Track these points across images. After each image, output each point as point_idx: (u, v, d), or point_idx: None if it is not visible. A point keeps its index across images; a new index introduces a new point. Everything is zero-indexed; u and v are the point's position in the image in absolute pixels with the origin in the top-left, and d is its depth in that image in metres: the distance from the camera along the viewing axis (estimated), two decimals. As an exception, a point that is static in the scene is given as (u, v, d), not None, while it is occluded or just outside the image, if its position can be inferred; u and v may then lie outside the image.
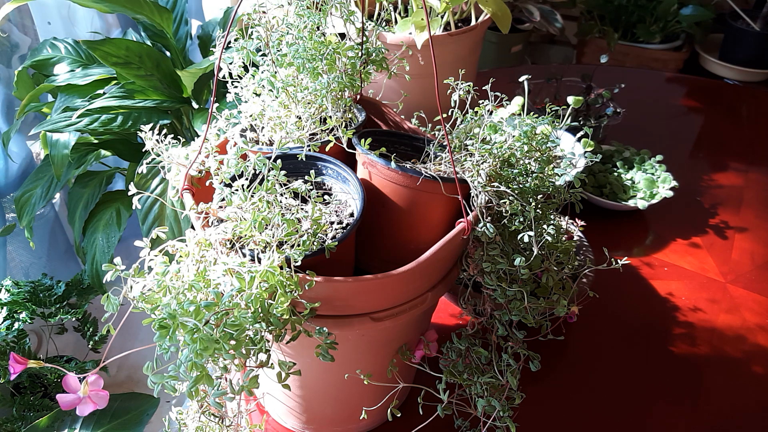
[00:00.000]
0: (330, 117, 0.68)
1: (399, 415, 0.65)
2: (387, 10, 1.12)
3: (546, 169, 0.68)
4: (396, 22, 1.11)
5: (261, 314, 0.48)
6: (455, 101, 0.71)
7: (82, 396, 0.48)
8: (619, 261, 0.67)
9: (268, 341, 0.51)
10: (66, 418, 0.97)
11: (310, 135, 0.69)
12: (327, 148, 0.66)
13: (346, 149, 0.67)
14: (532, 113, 0.72)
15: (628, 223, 1.15)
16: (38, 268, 1.60)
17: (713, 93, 1.68)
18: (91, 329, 1.39)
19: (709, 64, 2.54)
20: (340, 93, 0.72)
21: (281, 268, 0.50)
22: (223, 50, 0.60)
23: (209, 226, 0.57)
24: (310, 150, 0.66)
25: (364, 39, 0.76)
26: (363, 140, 0.65)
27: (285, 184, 0.58)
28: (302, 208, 0.58)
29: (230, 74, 0.72)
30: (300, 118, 0.69)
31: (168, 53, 1.46)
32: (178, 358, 0.47)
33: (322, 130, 0.69)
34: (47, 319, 1.29)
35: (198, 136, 1.02)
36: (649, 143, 1.31)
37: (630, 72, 1.86)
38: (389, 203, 0.66)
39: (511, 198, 0.62)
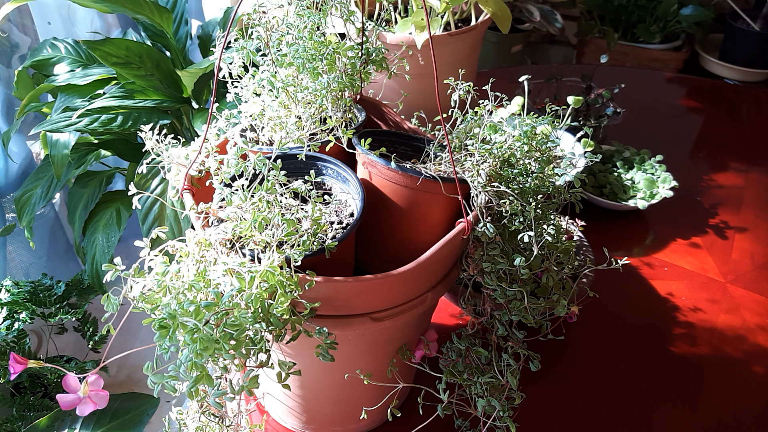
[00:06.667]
0: (330, 117, 0.68)
1: (399, 415, 0.65)
2: (387, 10, 1.12)
3: (546, 169, 0.68)
4: (396, 22, 1.11)
5: (261, 314, 0.48)
6: (455, 101, 0.71)
7: (82, 396, 0.48)
8: (619, 261, 0.67)
9: (268, 341, 0.51)
10: (66, 418, 0.97)
11: (310, 135, 0.69)
12: (327, 148, 0.66)
13: (346, 149, 0.67)
14: (532, 113, 0.72)
15: (628, 223, 1.15)
16: (38, 268, 1.60)
17: (713, 93, 1.68)
18: (91, 329, 1.39)
19: (709, 64, 2.54)
20: (340, 93, 0.72)
21: (281, 268, 0.50)
22: (223, 50, 0.60)
23: (209, 226, 0.57)
24: (310, 150, 0.66)
25: (364, 39, 0.76)
26: (363, 140, 0.65)
27: (285, 184, 0.58)
28: (302, 208, 0.58)
29: (230, 74, 0.72)
30: (300, 118, 0.69)
31: (168, 53, 1.46)
32: (178, 358, 0.47)
33: (322, 130, 0.69)
34: (47, 319, 1.29)
35: (198, 136, 1.02)
36: (649, 143, 1.31)
37: (630, 72, 1.86)
38: (389, 203, 0.66)
39: (511, 198, 0.62)
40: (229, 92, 0.74)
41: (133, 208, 1.29)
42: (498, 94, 0.73)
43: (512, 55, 2.67)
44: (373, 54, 0.77)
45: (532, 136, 0.68)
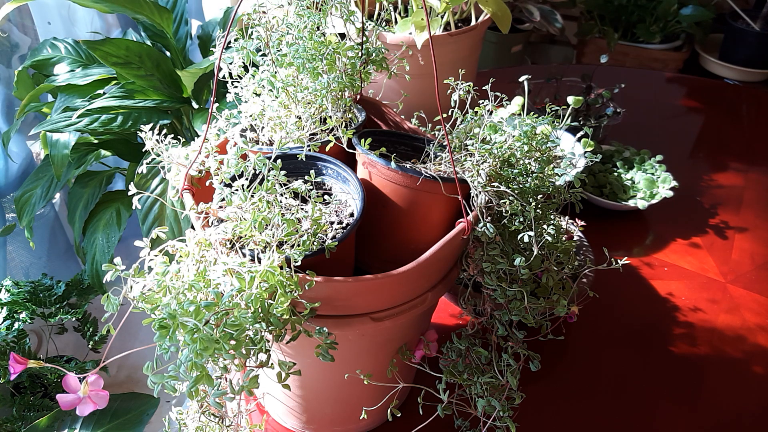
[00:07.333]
0: (330, 117, 0.68)
1: (399, 415, 0.65)
2: (387, 10, 1.12)
3: (546, 169, 0.68)
4: (396, 22, 1.11)
5: (261, 314, 0.48)
6: (455, 101, 0.71)
7: (82, 396, 0.48)
8: (619, 261, 0.67)
9: (268, 341, 0.51)
10: (66, 418, 0.97)
11: (310, 135, 0.69)
12: (327, 148, 0.66)
13: (346, 149, 0.67)
14: (532, 113, 0.72)
15: (628, 223, 1.15)
16: (38, 268, 1.60)
17: (713, 93, 1.68)
18: (91, 329, 1.39)
19: (709, 64, 2.54)
20: (340, 93, 0.72)
21: (281, 268, 0.50)
22: (223, 50, 0.60)
23: (209, 226, 0.57)
24: (310, 150, 0.66)
25: (364, 39, 0.76)
26: (363, 140, 0.65)
27: (285, 184, 0.58)
28: (302, 208, 0.58)
29: (230, 74, 0.72)
30: (300, 118, 0.69)
31: (168, 53, 1.46)
32: (178, 358, 0.47)
33: (322, 130, 0.69)
34: (47, 319, 1.29)
35: (198, 136, 1.02)
36: (649, 143, 1.31)
37: (630, 72, 1.86)
38: (389, 203, 0.66)
39: (511, 198, 0.62)
40: (229, 92, 0.74)
41: (133, 208, 1.29)
42: (498, 94, 0.73)
43: (512, 55, 2.67)
44: (373, 54, 0.77)
45: (532, 136, 0.68)
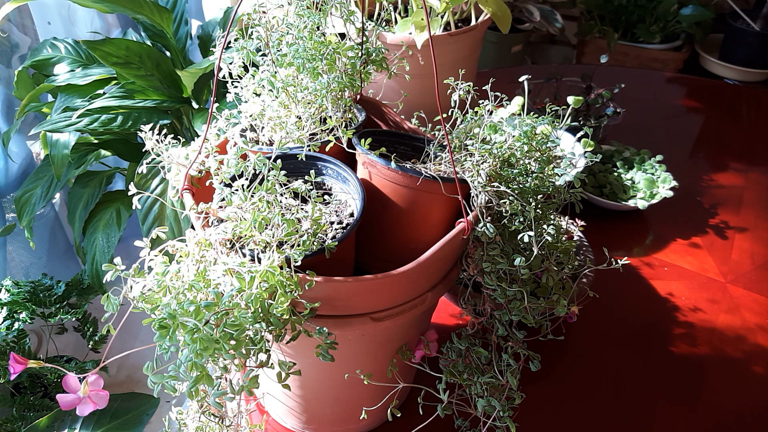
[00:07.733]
0: (330, 117, 0.68)
1: (399, 415, 0.65)
2: (387, 10, 1.12)
3: (546, 169, 0.68)
4: (396, 22, 1.11)
5: (261, 314, 0.48)
6: (455, 101, 0.71)
7: (82, 396, 0.48)
8: (619, 261, 0.67)
9: (268, 341, 0.51)
10: (66, 418, 0.97)
11: (310, 135, 0.69)
12: (327, 148, 0.66)
13: (346, 149, 0.67)
14: (532, 113, 0.72)
15: (628, 223, 1.15)
16: (38, 268, 1.60)
17: (713, 93, 1.68)
18: (91, 329, 1.39)
19: (709, 64, 2.54)
20: (340, 93, 0.72)
21: (281, 268, 0.50)
22: (223, 50, 0.60)
23: (209, 226, 0.57)
24: (310, 150, 0.66)
25: (364, 39, 0.76)
26: (363, 140, 0.65)
27: (285, 184, 0.58)
28: (302, 208, 0.58)
29: (230, 74, 0.72)
30: (300, 118, 0.69)
31: (168, 53, 1.46)
32: (178, 358, 0.47)
33: (322, 130, 0.69)
34: (47, 319, 1.29)
35: (198, 136, 1.02)
36: (649, 143, 1.31)
37: (630, 72, 1.86)
38: (389, 203, 0.66)
39: (511, 198, 0.62)
40: (229, 92, 0.74)
41: (133, 208, 1.29)
42: (498, 94, 0.73)
43: (512, 55, 2.67)
44: (373, 54, 0.77)
45: (532, 136, 0.68)
